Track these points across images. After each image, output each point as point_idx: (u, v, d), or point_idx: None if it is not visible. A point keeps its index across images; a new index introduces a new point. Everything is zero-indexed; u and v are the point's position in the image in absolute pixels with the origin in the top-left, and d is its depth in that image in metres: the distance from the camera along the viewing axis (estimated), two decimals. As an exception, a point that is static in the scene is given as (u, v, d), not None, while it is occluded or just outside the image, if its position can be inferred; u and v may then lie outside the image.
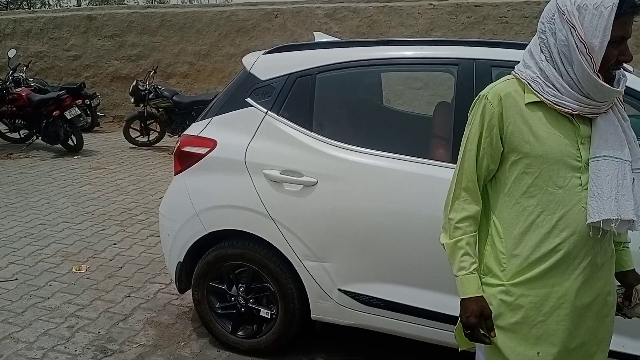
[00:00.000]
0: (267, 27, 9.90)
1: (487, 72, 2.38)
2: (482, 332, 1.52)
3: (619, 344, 2.10)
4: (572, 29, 1.36)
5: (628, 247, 1.65)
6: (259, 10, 9.95)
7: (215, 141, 2.78)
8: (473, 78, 2.39)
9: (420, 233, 2.35)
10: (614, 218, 1.39)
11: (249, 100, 2.75)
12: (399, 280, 2.48)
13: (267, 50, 2.92)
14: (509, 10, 8.11)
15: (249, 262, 2.76)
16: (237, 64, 2.88)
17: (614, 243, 1.61)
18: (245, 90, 2.78)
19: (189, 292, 3.03)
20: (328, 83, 2.71)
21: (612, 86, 1.41)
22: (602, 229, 1.41)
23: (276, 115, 2.68)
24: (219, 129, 2.80)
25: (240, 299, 2.85)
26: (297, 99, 2.68)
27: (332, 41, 3.05)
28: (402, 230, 2.42)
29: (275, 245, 2.66)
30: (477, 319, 1.51)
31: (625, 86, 2.11)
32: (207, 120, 2.88)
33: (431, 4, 8.73)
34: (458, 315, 1.57)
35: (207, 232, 2.80)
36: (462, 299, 1.54)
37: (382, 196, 2.46)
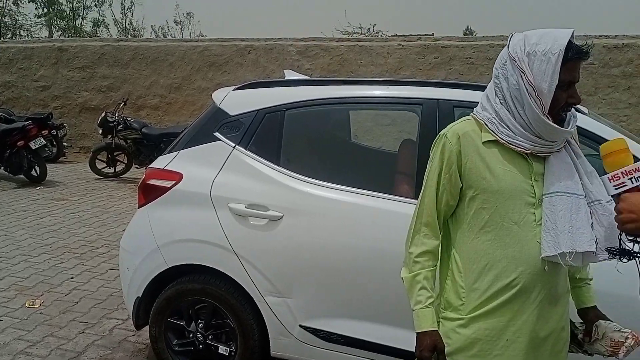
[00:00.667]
0: (239, 63, 10.01)
1: (450, 112, 2.45)
2: None
3: None
4: (523, 74, 1.43)
5: (589, 284, 1.68)
6: (232, 45, 10.08)
7: (181, 174, 2.76)
8: (436, 117, 2.46)
9: (383, 269, 2.35)
10: (568, 251, 1.42)
11: (217, 134, 2.75)
12: (360, 316, 2.47)
13: (236, 87, 2.96)
14: (474, 52, 8.42)
15: (209, 297, 2.71)
16: (209, 97, 2.91)
17: (576, 280, 1.65)
18: (213, 125, 2.79)
19: (147, 328, 2.95)
20: (296, 119, 2.76)
21: (563, 127, 1.48)
22: (557, 262, 1.44)
23: (244, 150, 2.70)
24: (186, 162, 2.79)
25: (199, 335, 2.79)
26: (265, 134, 2.71)
27: (301, 79, 3.11)
28: (365, 266, 2.42)
29: (237, 281, 2.63)
30: (430, 352, 1.52)
31: (581, 127, 2.26)
32: (174, 154, 2.87)
33: (400, 44, 8.99)
34: (410, 349, 1.58)
35: (168, 267, 2.74)
36: (417, 333, 1.55)
37: (347, 231, 2.47)
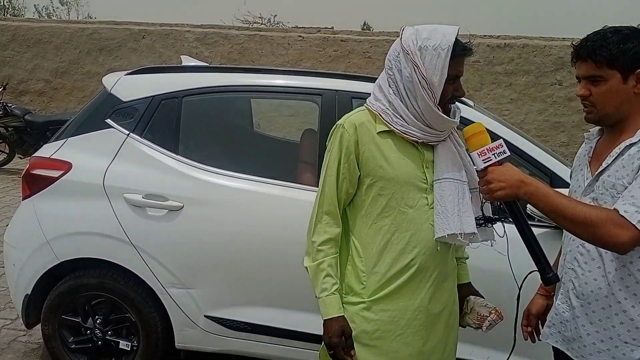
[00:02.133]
0: (133, 48, 9.52)
1: (348, 102, 2.53)
2: (343, 351, 1.58)
3: (465, 352, 2.30)
4: (416, 67, 1.52)
5: (465, 263, 1.84)
6: (125, 29, 9.55)
7: (70, 163, 2.60)
8: (335, 108, 2.53)
9: (288, 255, 2.38)
10: (458, 232, 1.55)
11: (109, 121, 2.63)
12: (266, 303, 2.50)
13: (129, 71, 2.83)
14: (371, 47, 8.70)
15: (107, 292, 2.60)
16: (100, 83, 2.74)
17: (454, 259, 1.79)
18: (105, 111, 2.66)
19: (39, 327, 2.77)
20: (195, 106, 2.70)
21: (450, 117, 1.60)
22: (447, 242, 1.58)
23: (139, 138, 2.60)
24: (75, 151, 2.64)
25: (97, 331, 2.67)
26: (162, 122, 2.63)
27: (199, 65, 3.05)
28: (269, 253, 2.45)
29: (136, 273, 2.55)
30: (338, 338, 1.57)
31: (467, 118, 2.45)
32: (61, 141, 2.70)
33: (300, 36, 9.06)
34: (315, 332, 1.63)
35: (59, 262, 2.59)
36: (325, 320, 1.60)
37: (250, 220, 2.48)
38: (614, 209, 1.33)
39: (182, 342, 2.61)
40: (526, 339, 1.71)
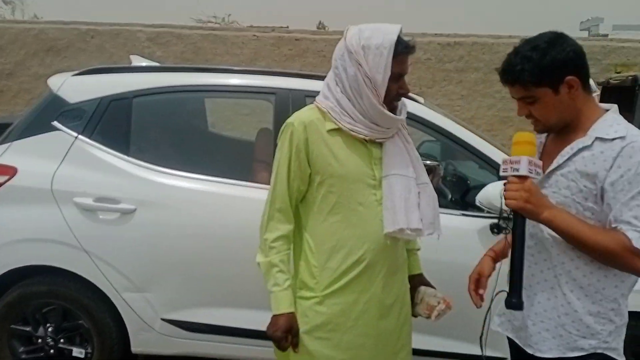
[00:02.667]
0: (82, 48, 9.23)
1: (302, 101, 2.54)
2: (288, 344, 1.62)
3: (424, 342, 2.39)
4: (359, 66, 1.54)
5: (417, 254, 1.88)
6: (73, 29, 9.25)
7: (15, 168, 2.52)
8: (289, 106, 2.54)
9: (243, 254, 2.36)
10: (406, 227, 1.59)
11: (55, 123, 2.55)
12: (224, 303, 2.50)
13: (76, 72, 2.76)
14: (325, 46, 8.74)
15: (59, 299, 2.54)
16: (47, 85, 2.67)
17: (406, 250, 1.83)
18: (51, 113, 2.59)
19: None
20: (146, 107, 2.66)
21: (396, 115, 1.63)
22: (396, 236, 1.61)
23: (88, 140, 2.54)
24: (20, 155, 2.55)
25: (49, 339, 2.60)
26: (111, 123, 2.58)
27: (149, 66, 3.00)
28: (225, 253, 2.44)
29: (89, 279, 2.50)
30: (284, 333, 1.60)
31: (416, 115, 2.51)
32: (5, 146, 2.60)
33: (255, 35, 9.01)
34: None
35: (6, 270, 2.50)
36: (273, 315, 1.62)
37: (204, 220, 2.46)
38: (623, 233, 1.34)
39: (139, 347, 2.58)
40: (479, 306, 1.68)
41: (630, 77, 7.19)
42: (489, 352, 2.32)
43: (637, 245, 1.32)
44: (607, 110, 1.48)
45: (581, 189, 1.41)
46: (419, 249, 1.88)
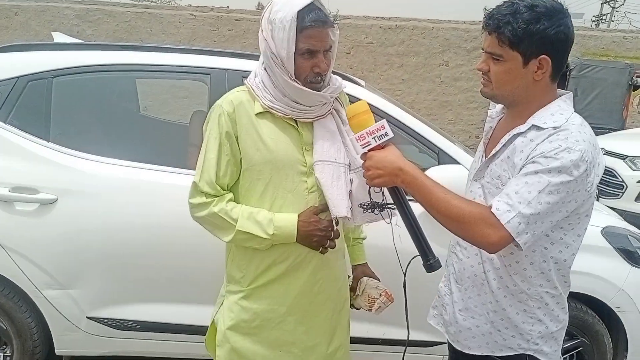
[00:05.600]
0: (5, 26, 8.61)
1: (238, 82, 2.38)
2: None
3: (379, 332, 2.38)
4: (266, 42, 1.45)
5: (361, 243, 1.81)
6: (-7, 5, 8.60)
7: None
8: (225, 88, 2.40)
9: (176, 245, 2.26)
10: (333, 216, 1.51)
11: (-35, 105, 2.30)
12: (155, 299, 2.36)
13: (-12, 50, 2.50)
14: (267, 27, 8.58)
15: (-30, 299, 2.31)
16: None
17: (349, 239, 1.76)
18: (-39, 94, 2.33)
19: None
20: (68, 88, 2.46)
21: (315, 91, 1.49)
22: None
23: (3, 124, 2.34)
24: None
25: (-40, 345, 2.37)
26: (29, 106, 2.37)
27: (72, 43, 2.78)
28: (156, 245, 2.30)
29: (5, 276, 2.30)
30: (328, 224, 1.50)
31: (357, 98, 2.43)
32: None
33: (192, 14, 8.68)
34: (208, 325, 1.54)
35: None
36: (299, 230, 1.49)
37: (133, 211, 2.31)
38: (490, 204, 1.28)
39: (63, 348, 2.42)
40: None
41: (561, 63, 7.48)
42: (431, 338, 2.37)
43: (500, 216, 1.23)
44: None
45: (509, 179, 1.33)
46: (364, 238, 1.81)
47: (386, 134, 1.35)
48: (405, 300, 1.51)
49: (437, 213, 1.31)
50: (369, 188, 1.45)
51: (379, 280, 1.76)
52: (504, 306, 1.41)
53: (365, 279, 1.74)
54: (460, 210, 1.28)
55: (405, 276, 1.49)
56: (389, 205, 1.45)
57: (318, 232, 1.50)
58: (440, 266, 1.39)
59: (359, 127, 1.36)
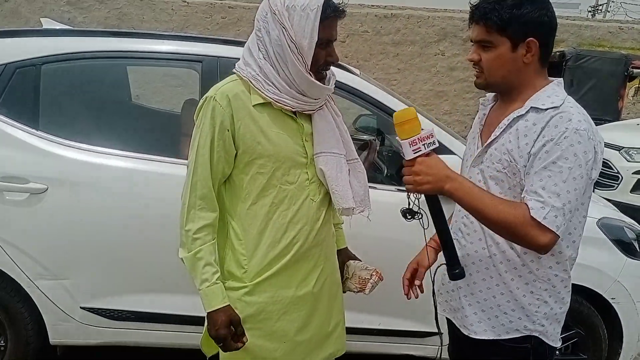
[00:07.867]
0: (-6, 12, 8.50)
1: (231, 70, 2.38)
2: (233, 340, 1.48)
3: (374, 322, 2.40)
4: (284, 30, 1.39)
5: (341, 228, 1.81)
6: (-18, -9, 8.47)
7: None
8: (217, 76, 2.37)
9: (168, 235, 2.19)
10: (339, 207, 1.52)
11: (-49, 93, 2.26)
12: (149, 289, 2.35)
13: (-25, 37, 2.46)
14: (260, 15, 8.49)
15: (-39, 289, 2.29)
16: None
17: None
18: (-54, 82, 2.28)
19: None
20: (57, 75, 2.43)
21: (324, 85, 1.50)
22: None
23: (-10, 112, 2.28)
24: None
25: (-47, 335, 2.35)
26: (17, 93, 2.34)
27: (62, 29, 2.73)
28: (149, 235, 2.28)
29: (-2, 267, 2.26)
30: (226, 329, 1.46)
31: (352, 87, 2.42)
32: None
33: (185, 2, 8.59)
34: (203, 315, 1.51)
35: None
36: (208, 313, 1.47)
37: (125, 200, 2.28)
38: (525, 203, 1.30)
39: (57, 338, 2.40)
40: (409, 297, 1.63)
41: (557, 53, 7.45)
42: (426, 329, 2.37)
43: (535, 215, 1.27)
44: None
45: (510, 162, 1.36)
46: (342, 223, 1.81)
47: (434, 142, 1.35)
48: (435, 308, 1.56)
49: (485, 219, 1.35)
50: (408, 194, 1.43)
51: (361, 261, 1.77)
52: (511, 288, 1.43)
53: (351, 262, 1.75)
54: (507, 215, 1.31)
55: (433, 285, 1.53)
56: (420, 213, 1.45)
57: (221, 332, 1.45)
58: (465, 276, 1.42)
59: (408, 133, 1.34)
